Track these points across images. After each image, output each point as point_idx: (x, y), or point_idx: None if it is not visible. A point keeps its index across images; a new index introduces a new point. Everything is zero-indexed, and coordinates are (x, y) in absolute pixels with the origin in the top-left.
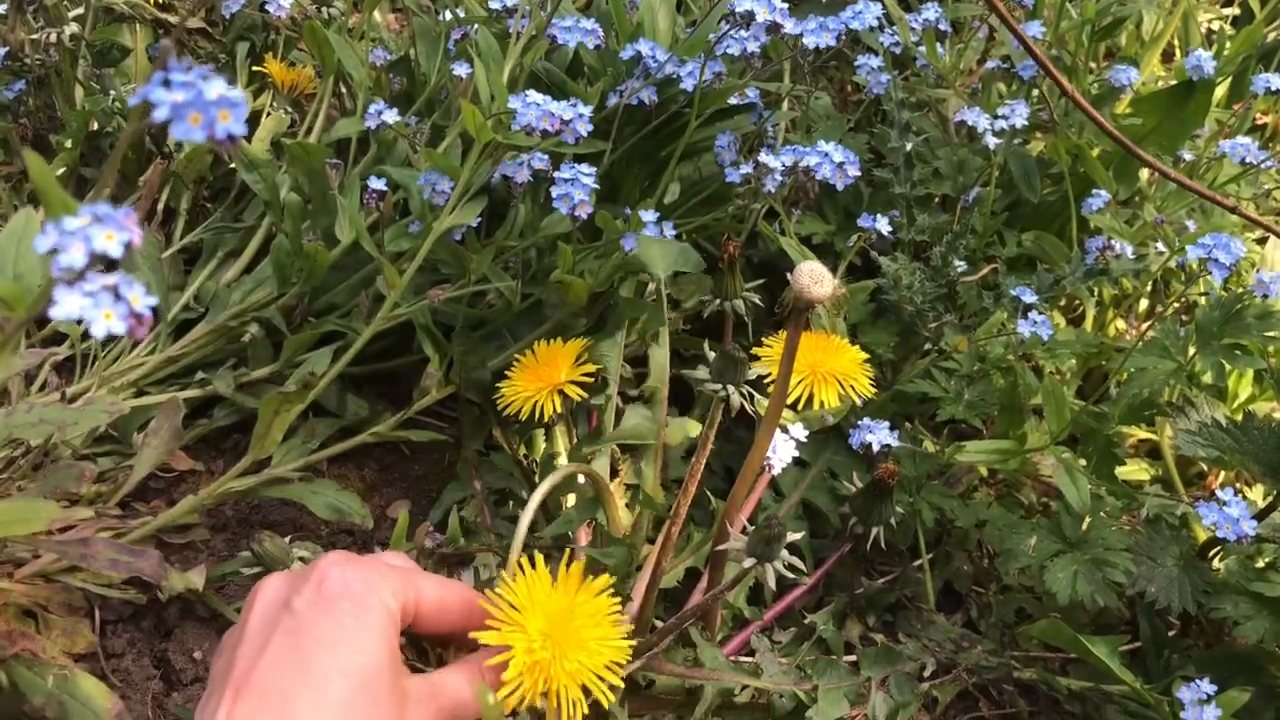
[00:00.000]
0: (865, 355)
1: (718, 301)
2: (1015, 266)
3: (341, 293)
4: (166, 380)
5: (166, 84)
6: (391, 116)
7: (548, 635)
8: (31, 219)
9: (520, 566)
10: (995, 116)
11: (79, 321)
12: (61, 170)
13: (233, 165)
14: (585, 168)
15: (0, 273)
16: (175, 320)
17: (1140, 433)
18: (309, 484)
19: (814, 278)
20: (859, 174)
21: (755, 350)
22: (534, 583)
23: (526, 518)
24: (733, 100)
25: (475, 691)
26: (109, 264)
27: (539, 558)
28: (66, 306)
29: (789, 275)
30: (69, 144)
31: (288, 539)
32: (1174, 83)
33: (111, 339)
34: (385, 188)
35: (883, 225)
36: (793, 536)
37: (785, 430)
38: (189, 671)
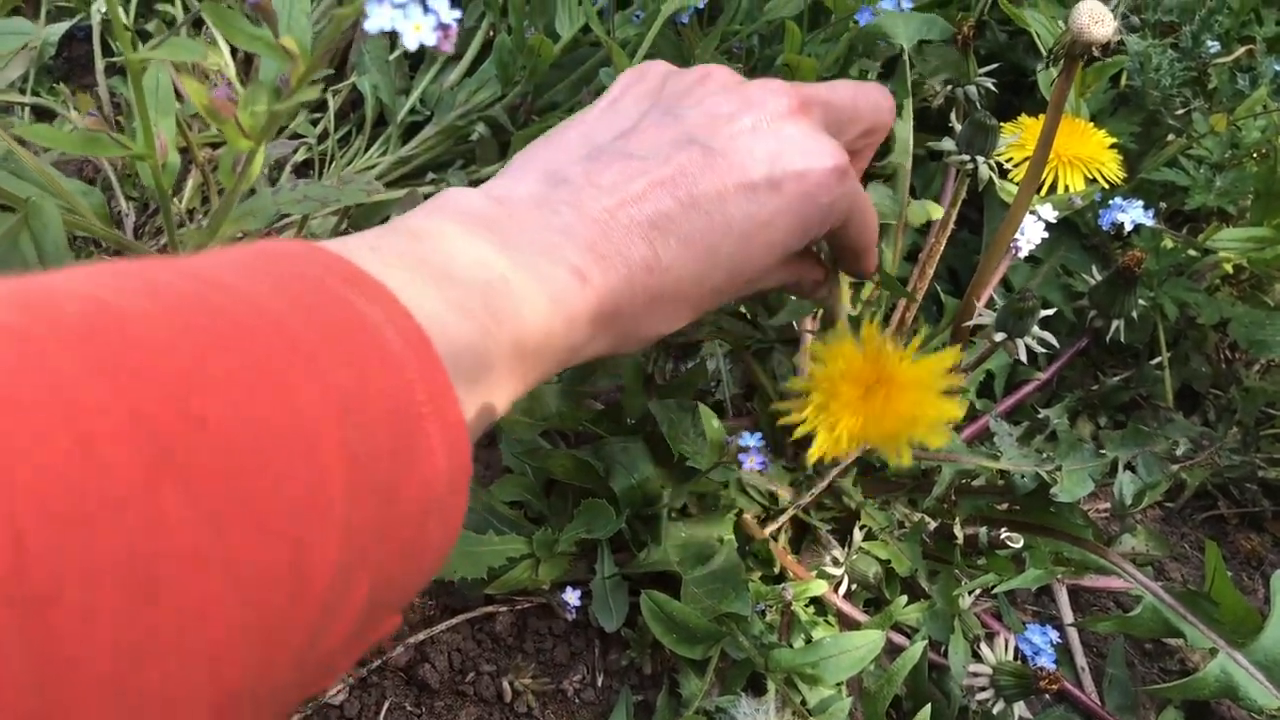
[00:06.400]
0: (1113, 140)
1: (949, 87)
2: (1275, 47)
3: (563, 90)
4: (399, 181)
5: None
6: None
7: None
8: None
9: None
10: None
11: (390, 34)
12: None
13: None
14: None
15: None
16: (404, 123)
17: None
18: None
19: (1094, 16)
20: None
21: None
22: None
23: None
24: None
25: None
26: None
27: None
28: (378, 19)
29: (1064, 19)
30: None
31: None
32: None
33: (346, 138)
34: None
35: None
36: (1045, 312)
37: (1034, 212)
38: None
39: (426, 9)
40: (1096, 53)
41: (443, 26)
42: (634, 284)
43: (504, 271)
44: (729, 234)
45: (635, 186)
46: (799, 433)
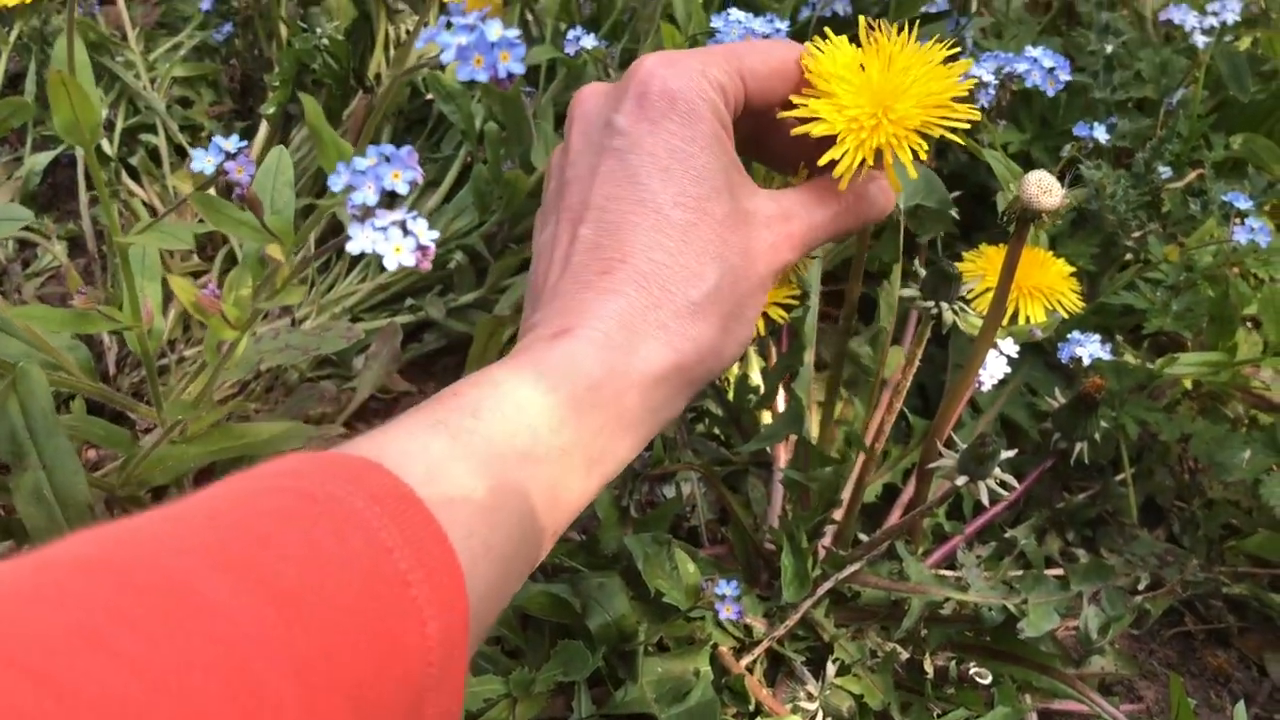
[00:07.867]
0: (1071, 269)
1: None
2: (1223, 171)
3: None
4: (378, 307)
5: (449, 26)
6: (590, 41)
7: (869, 98)
8: (283, 158)
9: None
10: (1204, 13)
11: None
12: (274, 110)
13: (429, 97)
14: None
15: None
16: None
17: None
18: None
19: (1042, 187)
20: (1069, 79)
21: (958, 265)
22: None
23: None
24: (926, 9)
25: (829, 210)
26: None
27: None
28: (360, 242)
29: (1012, 184)
30: (278, 84)
31: None
32: None
33: (326, 265)
34: None
35: (1100, 133)
36: (1006, 454)
37: (995, 346)
38: None
39: (406, 232)
40: (1046, 219)
41: (422, 248)
42: (608, 290)
43: (489, 383)
44: (636, 185)
45: (556, 254)
46: (819, 130)
